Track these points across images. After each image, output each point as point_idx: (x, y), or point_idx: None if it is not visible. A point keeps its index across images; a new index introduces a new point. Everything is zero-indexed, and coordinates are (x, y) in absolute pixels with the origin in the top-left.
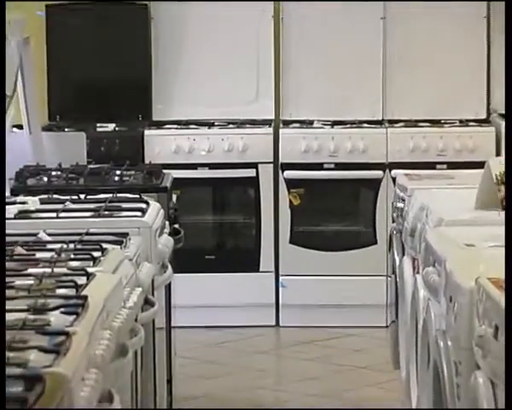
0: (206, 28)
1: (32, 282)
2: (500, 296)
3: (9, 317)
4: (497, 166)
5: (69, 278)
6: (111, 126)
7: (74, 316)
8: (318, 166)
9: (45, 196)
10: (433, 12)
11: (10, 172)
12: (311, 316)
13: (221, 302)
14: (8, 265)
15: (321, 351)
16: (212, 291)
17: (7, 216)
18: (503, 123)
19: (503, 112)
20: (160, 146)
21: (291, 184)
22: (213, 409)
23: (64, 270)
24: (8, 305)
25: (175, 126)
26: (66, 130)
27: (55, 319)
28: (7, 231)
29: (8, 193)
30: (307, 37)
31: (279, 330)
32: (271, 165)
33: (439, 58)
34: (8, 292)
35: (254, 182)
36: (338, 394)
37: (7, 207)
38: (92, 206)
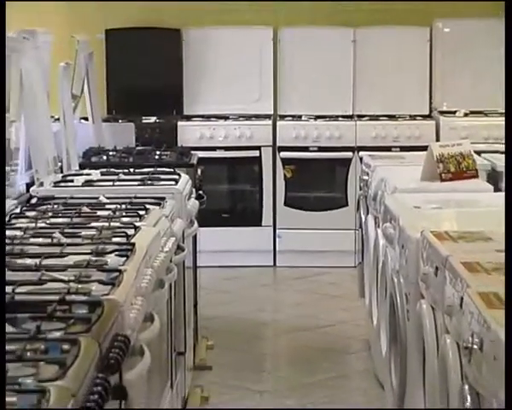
0: (223, 47)
1: (94, 232)
2: (439, 245)
3: (77, 258)
4: (437, 148)
5: (121, 230)
6: (153, 119)
7: (125, 258)
8: (305, 149)
9: (104, 169)
10: (390, 36)
11: (79, 152)
12: (300, 259)
13: (233, 248)
14: (77, 220)
15: (307, 284)
16: (227, 240)
17: (77, 185)
18: (441, 117)
19: (441, 109)
20: (189, 133)
21: (285, 162)
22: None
23: (118, 224)
24: (76, 249)
25: (200, 119)
26: (119, 121)
27: (111, 259)
28: (77, 195)
29: (76, 167)
30: (297, 54)
31: (276, 269)
32: (271, 148)
33: (395, 69)
34: (76, 240)
35: (258, 160)
36: (319, 315)
37: (77, 177)
38: (138, 177)
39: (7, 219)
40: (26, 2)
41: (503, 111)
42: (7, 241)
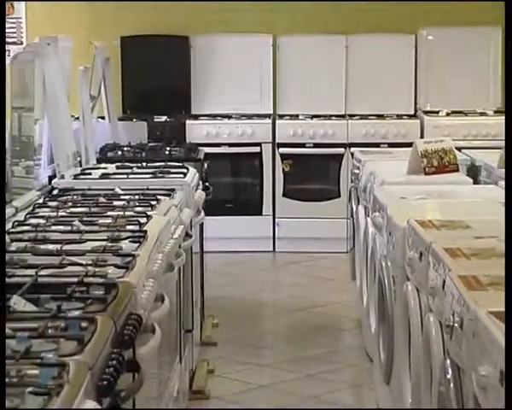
0: (227, 53)
1: (110, 221)
2: (423, 232)
3: (95, 244)
4: (421, 145)
5: (135, 218)
6: (163, 118)
7: (138, 244)
8: (302, 145)
9: (119, 163)
10: (379, 43)
11: (96, 148)
12: (297, 245)
13: (236, 235)
14: (94, 209)
15: (303, 268)
16: (230, 228)
17: (94, 177)
18: (425, 117)
19: (426, 109)
20: (196, 131)
21: (284, 157)
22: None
23: (131, 213)
24: (94, 236)
25: (206, 118)
26: (133, 120)
27: (125, 245)
28: (94, 187)
29: (94, 161)
30: (294, 59)
31: (275, 254)
32: (270, 144)
33: (383, 73)
34: (94, 228)
35: (259, 156)
36: (314, 296)
37: (94, 171)
38: (150, 170)
39: (31, 208)
40: (49, 11)
41: (482, 111)
42: (31, 228)
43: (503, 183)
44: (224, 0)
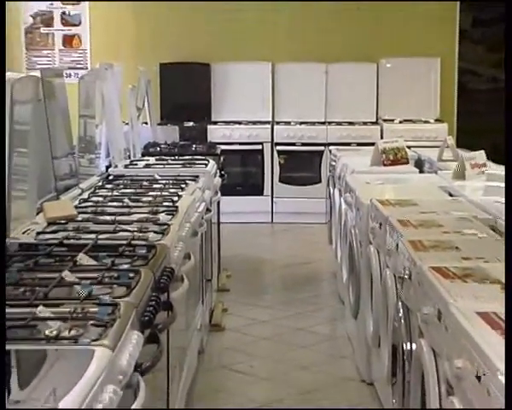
0: (238, 76)
1: (150, 199)
2: (382, 208)
3: (139, 216)
4: (381, 144)
5: (169, 197)
6: (191, 123)
7: (171, 216)
8: (293, 144)
9: (158, 157)
10: (350, 68)
11: (141, 145)
12: (289, 218)
13: (244, 210)
14: (139, 190)
15: (293, 234)
16: (240, 205)
17: (139, 167)
18: (384, 124)
19: (384, 118)
20: (215, 133)
21: (279, 153)
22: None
23: (167, 193)
24: (138, 210)
25: (222, 124)
26: (168, 125)
27: (162, 217)
28: (139, 174)
29: (139, 155)
30: (287, 80)
31: (273, 224)
32: (270, 143)
33: (353, 91)
34: (139, 204)
35: (261, 152)
36: (301, 255)
37: (139, 162)
38: (181, 162)
39: (93, 189)
40: (106, 43)
41: (426, 119)
42: (93, 204)
43: (441, 172)
44: (234, 35)
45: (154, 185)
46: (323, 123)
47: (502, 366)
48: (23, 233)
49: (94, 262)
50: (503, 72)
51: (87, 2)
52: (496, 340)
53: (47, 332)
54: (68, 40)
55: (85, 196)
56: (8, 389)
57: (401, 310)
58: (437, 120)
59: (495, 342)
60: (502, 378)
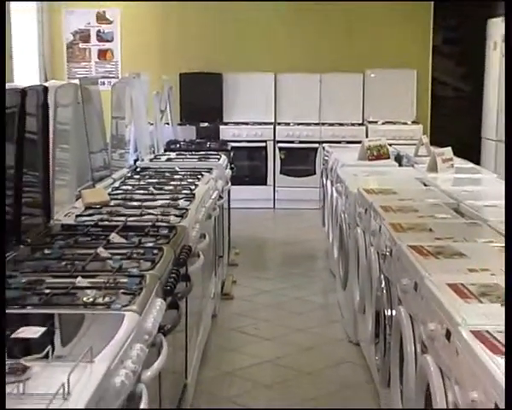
0: (246, 84)
1: (172, 187)
2: (367, 196)
3: (162, 201)
4: (366, 142)
5: (187, 186)
6: (206, 124)
7: (189, 202)
8: (292, 142)
9: (178, 152)
10: (341, 78)
11: (163, 142)
12: (289, 204)
13: (250, 198)
14: (162, 180)
15: (292, 218)
16: (247, 193)
17: (162, 160)
18: (369, 125)
19: (369, 120)
20: (226, 132)
21: (280, 149)
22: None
23: (185, 183)
24: (161, 197)
25: (232, 124)
26: (187, 125)
27: (181, 203)
28: (162, 166)
29: (162, 151)
30: (287, 88)
31: (275, 210)
32: (272, 141)
33: (342, 97)
34: (161, 191)
35: (265, 148)
36: (298, 235)
37: (162, 156)
38: (197, 156)
39: (123, 179)
40: (134, 56)
41: (404, 121)
42: (123, 192)
43: (417, 165)
44: (243, 50)
45: (175, 176)
46: (318, 124)
47: (460, 320)
48: (65, 216)
49: (124, 240)
50: (467, 83)
51: (118, 22)
52: (460, 303)
53: (84, 299)
54: (102, 54)
55: (117, 184)
56: (53, 346)
57: (383, 282)
58: (413, 122)
59: (460, 305)
60: (462, 330)
